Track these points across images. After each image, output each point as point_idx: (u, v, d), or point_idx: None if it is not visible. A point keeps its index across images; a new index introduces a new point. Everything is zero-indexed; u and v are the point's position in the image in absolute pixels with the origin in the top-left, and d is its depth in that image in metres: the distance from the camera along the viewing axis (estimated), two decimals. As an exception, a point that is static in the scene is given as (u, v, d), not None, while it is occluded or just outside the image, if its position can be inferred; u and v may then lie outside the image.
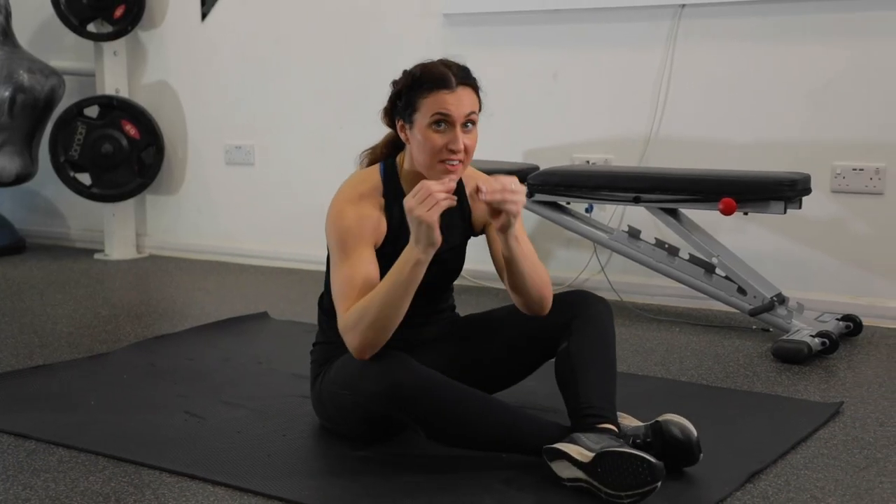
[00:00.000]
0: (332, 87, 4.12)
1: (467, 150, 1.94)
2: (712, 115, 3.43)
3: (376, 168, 2.06)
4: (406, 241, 1.89)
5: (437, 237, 1.85)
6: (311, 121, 4.19)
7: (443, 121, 1.91)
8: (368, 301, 1.89)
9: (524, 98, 3.74)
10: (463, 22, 3.82)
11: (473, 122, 1.95)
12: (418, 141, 1.94)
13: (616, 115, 3.59)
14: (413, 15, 3.89)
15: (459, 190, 2.07)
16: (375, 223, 1.99)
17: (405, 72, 1.99)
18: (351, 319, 1.90)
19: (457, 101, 1.91)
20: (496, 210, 1.90)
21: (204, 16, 4.41)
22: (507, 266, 1.98)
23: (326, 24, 4.13)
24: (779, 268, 3.29)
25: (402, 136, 1.99)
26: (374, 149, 2.13)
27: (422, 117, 1.92)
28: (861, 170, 3.20)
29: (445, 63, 1.97)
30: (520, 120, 3.74)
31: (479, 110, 1.97)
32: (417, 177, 1.99)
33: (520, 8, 3.69)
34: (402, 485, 1.85)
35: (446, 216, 1.94)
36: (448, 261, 2.10)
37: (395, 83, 2.00)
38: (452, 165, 1.93)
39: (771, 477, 1.91)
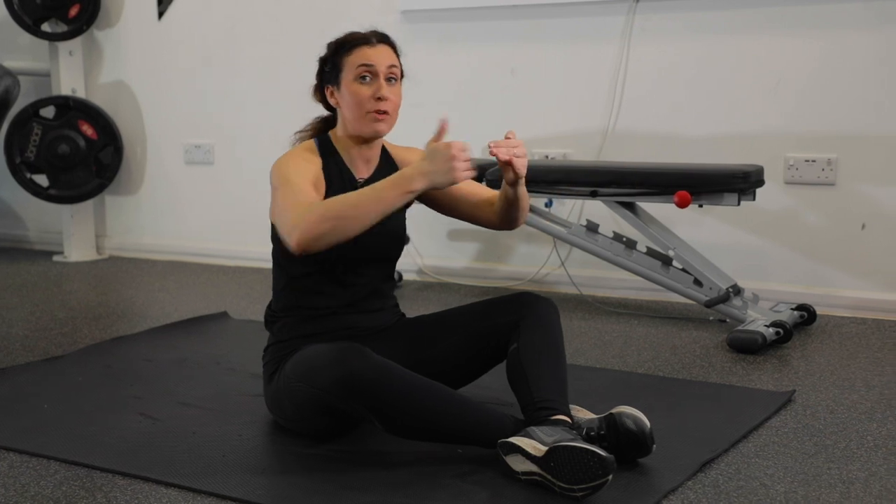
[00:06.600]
0: (290, 84, 4.08)
1: (393, 104, 2.06)
2: (668, 108, 3.46)
3: (311, 141, 2.16)
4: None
5: (445, 185, 1.88)
6: (270, 119, 4.17)
7: (367, 73, 2.05)
8: (337, 198, 1.90)
9: (482, 93, 3.75)
10: (421, 18, 3.82)
11: (396, 78, 2.08)
12: (346, 98, 2.06)
13: (574, 109, 3.61)
14: (371, 12, 3.88)
15: (388, 160, 2.19)
16: (317, 174, 2.07)
17: (328, 43, 2.12)
18: (307, 210, 1.87)
19: (378, 54, 2.06)
20: (503, 166, 1.98)
21: (161, 14, 4.38)
22: (512, 200, 2.07)
23: (284, 22, 4.12)
24: (734, 259, 3.33)
25: (332, 102, 2.12)
26: (304, 130, 2.23)
27: (347, 73, 2.06)
28: (813, 161, 3.25)
29: (364, 30, 2.12)
30: (478, 115, 3.75)
31: (402, 75, 2.10)
32: (351, 142, 2.11)
33: (477, 4, 3.69)
34: (356, 481, 1.85)
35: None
36: (388, 225, 2.11)
37: (320, 57, 2.14)
38: (381, 114, 2.04)
39: (722, 465, 1.93)
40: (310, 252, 1.89)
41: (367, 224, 1.88)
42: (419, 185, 1.87)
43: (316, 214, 1.87)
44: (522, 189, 2.06)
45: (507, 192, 2.06)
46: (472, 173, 1.87)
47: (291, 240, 1.89)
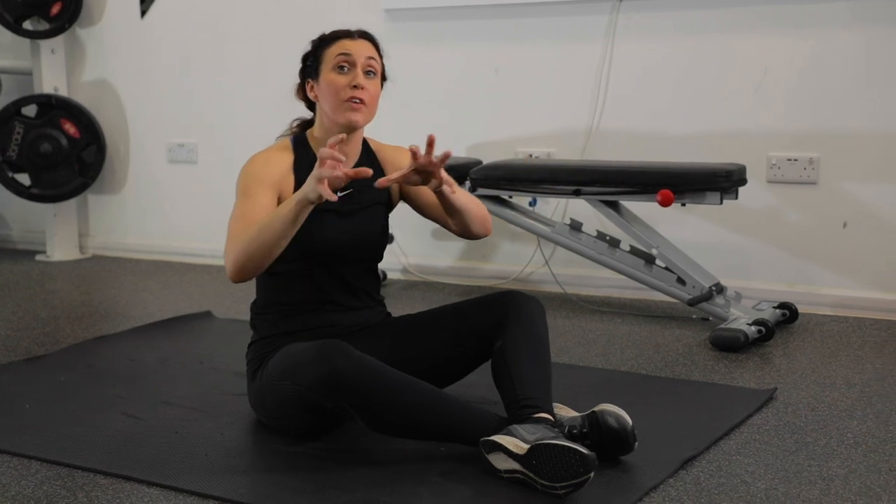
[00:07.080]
0: (273, 83, 4.07)
1: (370, 95, 2.05)
2: (652, 107, 3.47)
3: (286, 139, 2.18)
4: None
5: (325, 198, 1.85)
6: (253, 118, 4.16)
7: (345, 62, 2.06)
8: (248, 229, 1.97)
9: (467, 93, 3.75)
10: (404, 17, 3.82)
11: (375, 72, 2.10)
12: (324, 88, 2.08)
13: (558, 108, 3.62)
14: (355, 11, 3.88)
15: (373, 160, 2.19)
16: (282, 173, 2.08)
17: (312, 40, 2.14)
18: (230, 243, 1.98)
19: (357, 46, 2.08)
20: (424, 177, 1.97)
21: (143, 13, 4.36)
22: (449, 210, 2.09)
23: (267, 21, 4.11)
24: (717, 258, 3.34)
25: (311, 96, 2.12)
26: (284, 135, 2.23)
27: (326, 64, 2.08)
28: (795, 160, 3.26)
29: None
30: (462, 115, 3.75)
31: (384, 74, 2.13)
32: (328, 137, 2.08)
33: (461, 3, 3.69)
34: (340, 480, 1.85)
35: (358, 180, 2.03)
36: (369, 224, 2.14)
37: (303, 54, 2.16)
38: (356, 104, 2.04)
39: (704, 463, 1.94)
40: (247, 280, 1.99)
41: (282, 243, 1.93)
42: (301, 196, 1.88)
43: (234, 251, 1.95)
44: (455, 197, 2.03)
45: (441, 202, 2.07)
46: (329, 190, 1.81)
47: (227, 273, 2.00)
